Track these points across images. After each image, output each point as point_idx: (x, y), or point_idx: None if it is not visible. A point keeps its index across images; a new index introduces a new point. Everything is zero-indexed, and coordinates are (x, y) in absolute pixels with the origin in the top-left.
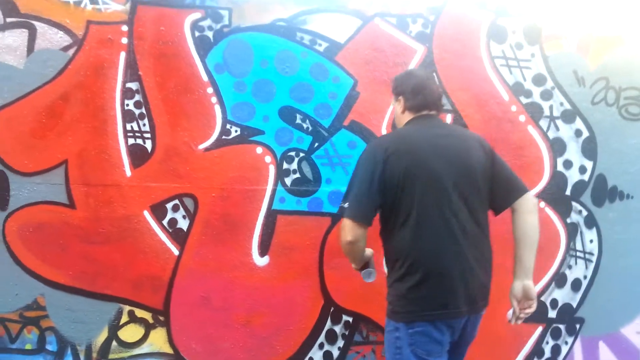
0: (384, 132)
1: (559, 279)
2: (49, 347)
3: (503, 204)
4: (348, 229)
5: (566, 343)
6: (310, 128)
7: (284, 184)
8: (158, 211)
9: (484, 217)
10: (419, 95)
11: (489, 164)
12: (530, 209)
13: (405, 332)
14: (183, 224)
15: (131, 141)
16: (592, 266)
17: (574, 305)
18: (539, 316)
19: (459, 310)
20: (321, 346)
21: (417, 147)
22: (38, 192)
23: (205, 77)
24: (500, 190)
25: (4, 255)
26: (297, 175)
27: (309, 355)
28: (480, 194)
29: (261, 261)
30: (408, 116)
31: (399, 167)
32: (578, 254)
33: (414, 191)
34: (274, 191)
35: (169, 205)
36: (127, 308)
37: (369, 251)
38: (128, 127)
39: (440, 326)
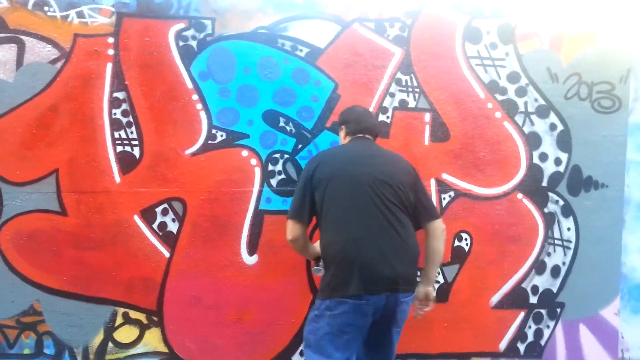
0: None
1: (539, 266)
2: (46, 350)
3: (416, 226)
4: (288, 229)
5: (548, 327)
6: (293, 130)
7: (269, 185)
8: (148, 215)
9: (405, 217)
10: (356, 123)
11: (411, 185)
12: (437, 235)
13: (322, 312)
14: (173, 227)
15: (119, 149)
16: (570, 253)
17: (554, 290)
18: (521, 302)
19: (364, 295)
20: None
21: (344, 158)
22: (30, 201)
23: (190, 85)
24: (415, 214)
25: None
26: (283, 176)
27: (300, 348)
28: (401, 201)
29: (250, 260)
30: (348, 139)
31: (325, 173)
32: (556, 241)
33: (334, 192)
34: (260, 192)
35: (159, 210)
36: (121, 310)
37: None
38: (116, 135)
39: (349, 309)
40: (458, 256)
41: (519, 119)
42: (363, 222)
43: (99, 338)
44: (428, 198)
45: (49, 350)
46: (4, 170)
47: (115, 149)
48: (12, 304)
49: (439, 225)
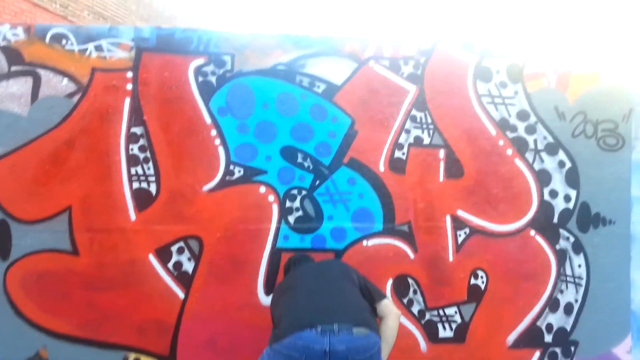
0: (381, 168)
1: (553, 304)
2: None
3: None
4: None
5: None
6: (311, 166)
7: (287, 222)
8: (163, 254)
9: (352, 287)
10: (292, 263)
11: (352, 272)
12: (387, 312)
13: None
14: (188, 266)
15: (136, 185)
16: (582, 290)
17: (568, 328)
18: (537, 341)
19: (295, 333)
20: None
21: (298, 271)
22: (41, 240)
23: (208, 120)
24: (366, 296)
25: (4, 306)
26: (300, 213)
27: None
28: (348, 275)
29: (267, 300)
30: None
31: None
32: (568, 278)
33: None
34: (277, 229)
35: (174, 248)
36: (132, 355)
37: None
38: (132, 171)
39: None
40: (474, 294)
41: (529, 156)
42: (307, 297)
43: None
44: (372, 283)
45: None
46: (14, 207)
47: (131, 186)
48: (16, 350)
49: (386, 305)
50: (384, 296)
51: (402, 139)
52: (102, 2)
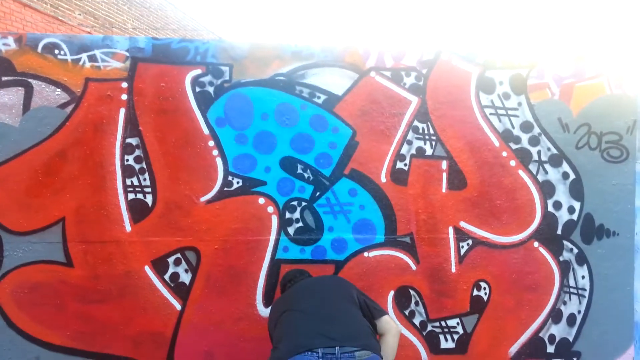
0: (383, 179)
1: (556, 315)
2: None
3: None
4: None
5: None
6: (311, 177)
7: (287, 234)
8: (159, 266)
9: (353, 307)
10: (289, 280)
11: (350, 292)
12: (387, 329)
13: None
14: (185, 277)
15: (131, 196)
16: (585, 301)
17: (570, 339)
18: (539, 352)
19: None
20: None
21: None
22: (33, 252)
23: (206, 131)
24: (366, 314)
25: None
26: (300, 224)
27: None
28: (349, 296)
29: (266, 312)
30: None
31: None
32: (571, 290)
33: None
34: (277, 241)
35: (171, 260)
36: None
37: None
38: (128, 182)
39: None
40: (477, 306)
41: (532, 167)
42: (308, 319)
43: None
44: (371, 299)
45: None
46: (6, 219)
47: (126, 197)
48: None
49: (386, 321)
50: (384, 312)
51: (404, 150)
52: (93, 2)
